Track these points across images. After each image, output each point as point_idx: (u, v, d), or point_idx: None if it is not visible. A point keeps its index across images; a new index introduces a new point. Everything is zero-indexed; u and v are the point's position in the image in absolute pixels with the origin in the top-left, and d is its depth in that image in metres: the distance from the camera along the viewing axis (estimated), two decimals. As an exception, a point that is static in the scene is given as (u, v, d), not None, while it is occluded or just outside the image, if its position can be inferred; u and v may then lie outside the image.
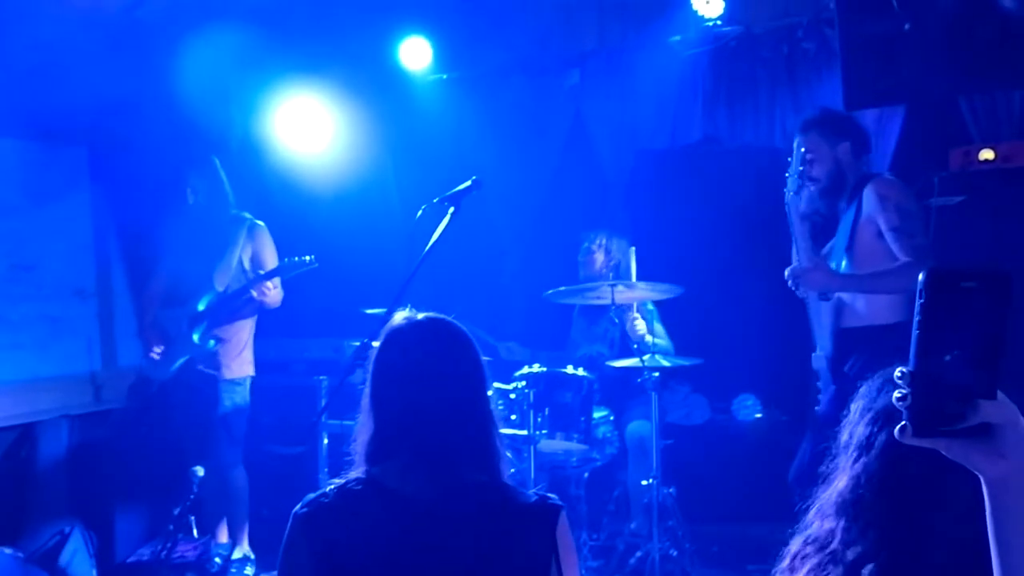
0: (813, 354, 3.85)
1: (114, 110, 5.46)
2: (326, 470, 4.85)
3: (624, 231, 5.06)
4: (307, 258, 4.58)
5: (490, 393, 1.88)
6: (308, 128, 5.71)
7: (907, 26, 3.87)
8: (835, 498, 1.57)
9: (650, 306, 4.77)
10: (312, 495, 1.81)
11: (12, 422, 5.06)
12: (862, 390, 1.65)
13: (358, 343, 3.68)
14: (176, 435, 4.73)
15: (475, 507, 1.78)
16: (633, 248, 4.59)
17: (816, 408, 3.79)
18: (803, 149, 3.78)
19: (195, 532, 4.66)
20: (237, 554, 4.76)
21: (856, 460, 1.55)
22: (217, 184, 4.82)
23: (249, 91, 5.57)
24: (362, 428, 1.86)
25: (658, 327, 4.72)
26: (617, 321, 4.58)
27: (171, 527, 3.89)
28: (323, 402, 5.08)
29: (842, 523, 1.54)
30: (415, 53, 5.59)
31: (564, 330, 5.24)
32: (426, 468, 1.79)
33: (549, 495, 1.85)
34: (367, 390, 1.87)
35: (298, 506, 1.80)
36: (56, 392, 5.47)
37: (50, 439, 5.07)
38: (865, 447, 1.54)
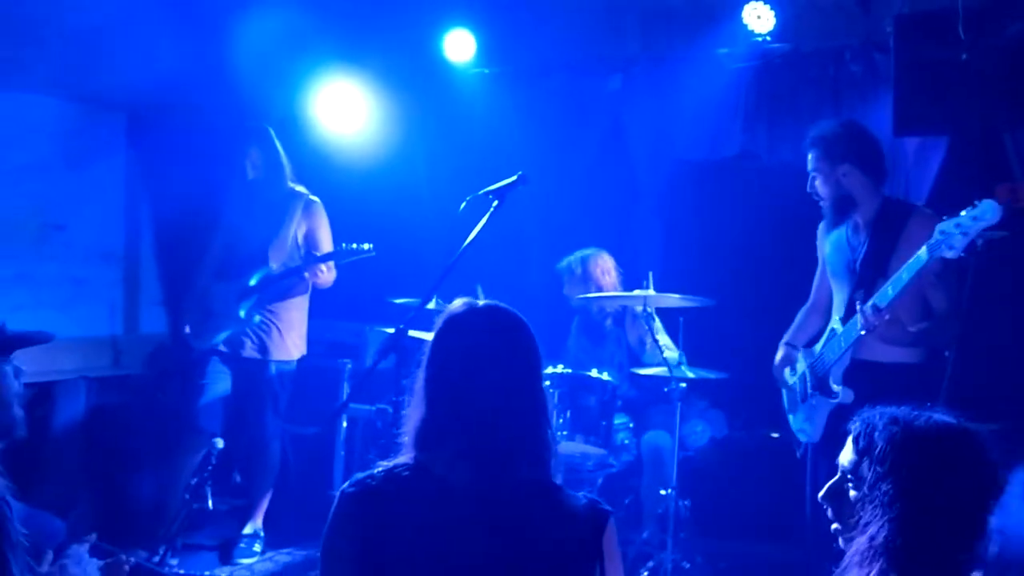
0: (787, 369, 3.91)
1: (158, 78, 5.48)
2: (343, 453, 4.85)
3: (656, 238, 5.06)
4: (365, 246, 4.59)
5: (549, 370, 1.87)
6: (346, 111, 5.71)
7: (964, 56, 3.84)
8: (868, 546, 1.61)
9: (651, 320, 4.76)
10: (360, 475, 1.81)
11: (31, 379, 5.07)
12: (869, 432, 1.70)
13: (391, 330, 3.69)
14: (197, 406, 4.73)
15: (523, 503, 1.77)
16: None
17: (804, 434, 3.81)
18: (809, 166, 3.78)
19: (210, 504, 4.66)
20: (248, 529, 4.78)
21: (882, 515, 1.59)
22: (275, 157, 4.83)
23: (294, 69, 5.57)
24: (413, 412, 1.85)
25: (664, 337, 4.71)
26: (648, 326, 4.55)
27: (187, 496, 3.89)
28: (345, 386, 5.09)
29: (880, 567, 1.58)
30: (459, 45, 5.58)
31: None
32: (475, 459, 1.78)
33: (599, 499, 1.83)
34: (421, 374, 1.86)
35: (346, 484, 1.79)
36: (76, 353, 5.48)
37: (68, 399, 5.09)
38: (888, 503, 1.56)
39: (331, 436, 5.08)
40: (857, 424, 1.75)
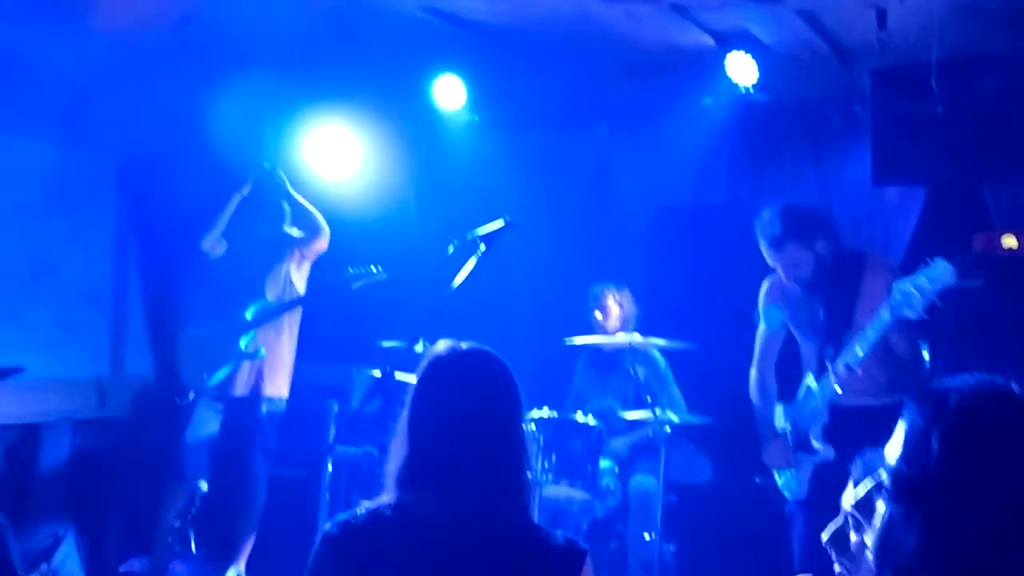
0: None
1: (149, 124, 5.55)
2: (328, 496, 4.83)
3: (641, 283, 5.11)
4: (374, 268, 4.63)
5: (531, 428, 1.90)
6: (336, 156, 5.78)
7: (940, 109, 3.94)
8: None
9: (662, 365, 4.82)
10: (343, 516, 1.83)
11: (17, 420, 5.07)
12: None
13: (378, 372, 3.71)
14: (183, 448, 4.72)
15: (503, 543, 1.79)
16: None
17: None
18: (780, 265, 3.75)
19: (193, 547, 4.63)
20: (231, 573, 4.74)
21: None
22: (281, 197, 4.89)
23: (284, 114, 5.65)
24: (396, 452, 1.88)
25: (675, 392, 4.76)
26: (633, 373, 4.60)
27: (170, 539, 3.87)
28: (332, 428, 5.09)
29: None
30: (449, 92, 5.67)
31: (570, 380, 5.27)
32: (457, 499, 1.80)
33: (575, 539, 1.86)
34: (405, 414, 1.89)
35: (328, 525, 1.81)
36: (61, 395, 5.47)
37: (53, 441, 5.08)
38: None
39: (316, 479, 5.06)
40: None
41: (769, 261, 3.83)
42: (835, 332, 3.63)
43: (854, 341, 3.46)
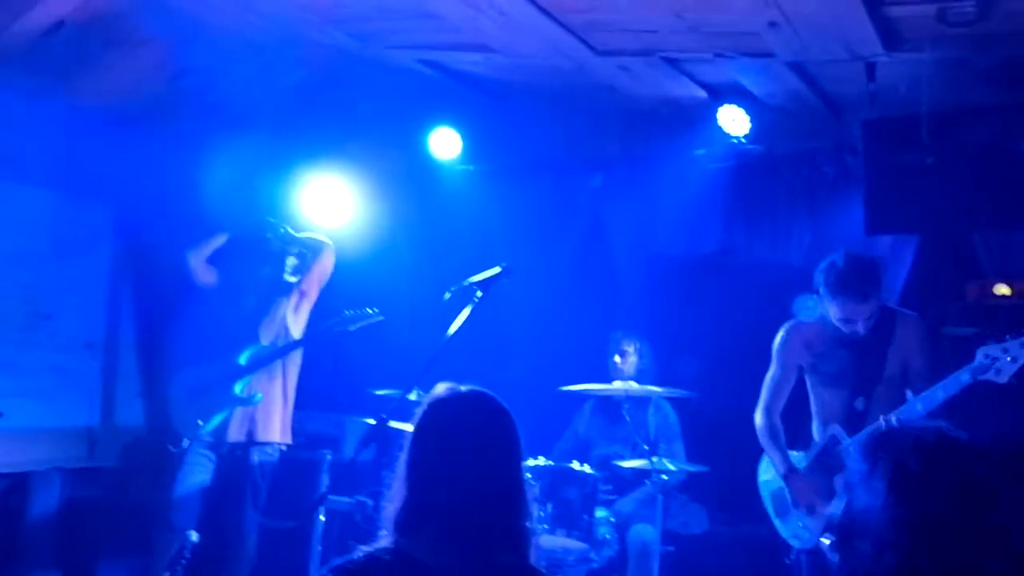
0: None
1: (146, 174, 5.59)
2: (320, 548, 4.76)
3: (635, 332, 5.12)
4: (369, 310, 4.62)
5: (527, 476, 1.89)
6: (332, 205, 5.80)
7: (930, 160, 4.00)
8: None
9: (672, 418, 4.84)
10: (339, 560, 1.80)
11: (6, 470, 5.01)
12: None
13: (372, 421, 3.69)
14: (173, 498, 4.66)
15: (503, 588, 1.77)
16: None
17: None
18: (866, 316, 3.66)
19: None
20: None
21: None
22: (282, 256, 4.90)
23: (281, 164, 5.69)
24: (394, 496, 1.87)
25: (679, 447, 4.77)
26: (629, 419, 4.59)
27: (160, 591, 3.81)
28: (325, 477, 5.03)
29: None
30: (445, 143, 5.73)
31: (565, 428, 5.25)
32: (456, 544, 1.78)
33: (575, 583, 1.84)
34: (403, 457, 1.88)
35: (324, 570, 1.79)
36: (51, 444, 5.42)
37: (41, 491, 5.01)
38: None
39: (308, 530, 5.00)
40: None
41: (824, 309, 3.79)
42: (866, 382, 3.65)
43: (916, 398, 3.46)
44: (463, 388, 1.94)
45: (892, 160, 4.15)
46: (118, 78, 5.14)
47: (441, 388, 1.95)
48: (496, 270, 3.52)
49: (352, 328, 4.72)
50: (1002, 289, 4.17)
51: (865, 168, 4.28)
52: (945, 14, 3.74)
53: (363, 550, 1.83)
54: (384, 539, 1.85)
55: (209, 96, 5.35)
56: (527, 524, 1.86)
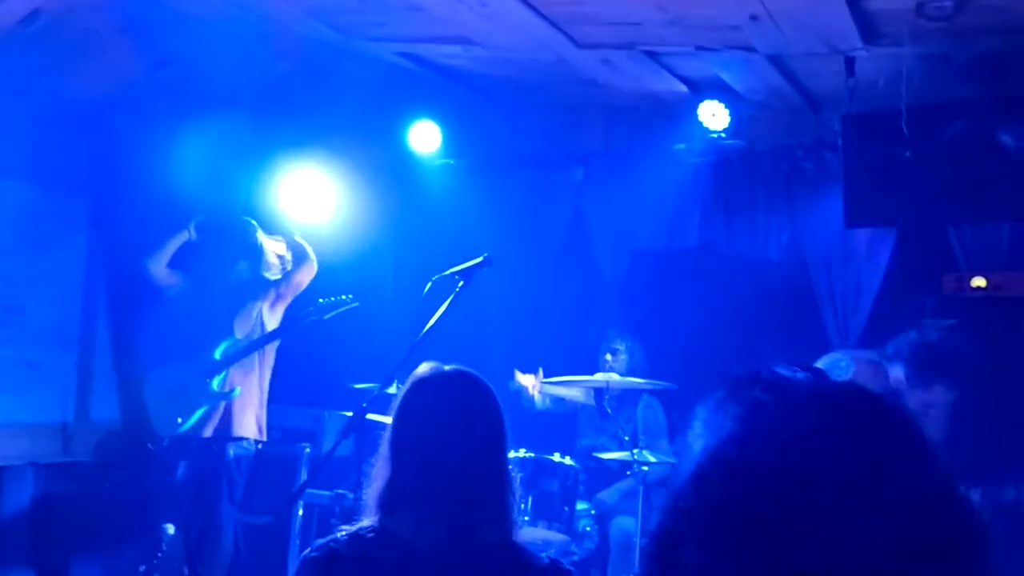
0: None
1: (123, 167, 5.53)
2: (298, 543, 4.73)
3: (615, 325, 5.14)
4: (344, 297, 4.59)
5: (511, 454, 1.88)
6: (311, 199, 5.76)
7: (908, 153, 4.03)
8: None
9: (661, 416, 4.87)
10: (323, 540, 1.79)
11: (-21, 465, 4.95)
12: None
13: (350, 413, 3.66)
14: (149, 493, 4.61)
15: (487, 565, 1.76)
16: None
17: None
18: None
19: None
20: (198, 621, 4.61)
21: None
22: (258, 253, 4.86)
23: (260, 158, 5.65)
24: (378, 474, 1.85)
25: (665, 444, 4.80)
26: (611, 412, 4.60)
27: (136, 584, 3.77)
28: (303, 471, 5.00)
29: None
30: (425, 137, 5.71)
31: (546, 419, 5.25)
32: (440, 521, 1.77)
33: (559, 560, 1.83)
34: (387, 435, 1.87)
35: (308, 550, 1.77)
36: (25, 439, 5.34)
37: (14, 486, 4.95)
38: None
39: (285, 525, 4.96)
40: None
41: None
42: None
43: None
44: (447, 367, 1.93)
45: (871, 154, 4.17)
46: (95, 69, 5.08)
47: (425, 367, 1.94)
48: (478, 260, 3.51)
49: (327, 316, 4.69)
50: (978, 282, 4.21)
51: (844, 162, 4.30)
52: (923, 8, 3.77)
53: (345, 529, 1.81)
54: (367, 518, 1.84)
55: (188, 87, 5.30)
56: (510, 499, 1.85)
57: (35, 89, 5.05)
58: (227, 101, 5.31)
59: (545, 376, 4.87)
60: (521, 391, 5.04)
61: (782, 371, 0.96)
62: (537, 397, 4.99)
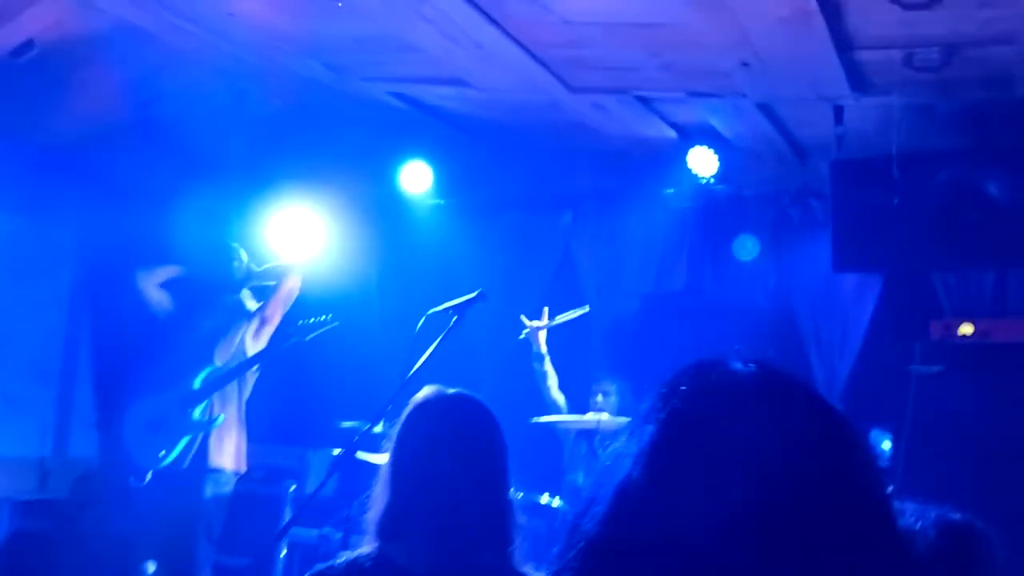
0: None
1: (113, 200, 5.52)
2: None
3: (603, 367, 5.14)
4: (323, 318, 4.54)
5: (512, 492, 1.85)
6: (301, 237, 5.75)
7: (896, 200, 4.09)
8: None
9: None
10: (321, 565, 1.75)
11: (-48, 500, 4.84)
12: None
13: (337, 451, 3.61)
14: (127, 530, 4.51)
15: (489, 593, 1.73)
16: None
17: None
18: None
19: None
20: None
21: None
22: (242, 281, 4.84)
23: (250, 194, 5.65)
24: (377, 499, 1.82)
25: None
26: (601, 451, 4.57)
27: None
28: (288, 511, 4.92)
29: None
30: (416, 177, 5.73)
31: (535, 458, 5.21)
32: (440, 547, 1.74)
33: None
34: (387, 459, 1.84)
35: (306, 574, 1.74)
36: (2, 474, 5.25)
37: (-11, 522, 4.84)
38: None
39: (266, 567, 4.86)
40: None
41: None
42: None
43: None
44: (450, 391, 1.91)
45: (859, 199, 4.23)
46: (87, 101, 5.09)
47: (428, 390, 1.92)
48: (472, 295, 3.50)
49: (308, 338, 4.64)
50: (965, 328, 4.24)
51: (833, 206, 4.36)
52: (912, 59, 3.86)
53: (344, 556, 1.77)
54: (366, 545, 1.80)
55: (180, 123, 5.30)
56: (512, 528, 1.83)
57: (24, 119, 5.04)
58: (218, 138, 5.32)
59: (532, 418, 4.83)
60: (530, 340, 5.05)
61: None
62: (543, 341, 5.04)
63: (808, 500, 0.85)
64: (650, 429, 0.90)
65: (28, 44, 4.55)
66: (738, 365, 0.96)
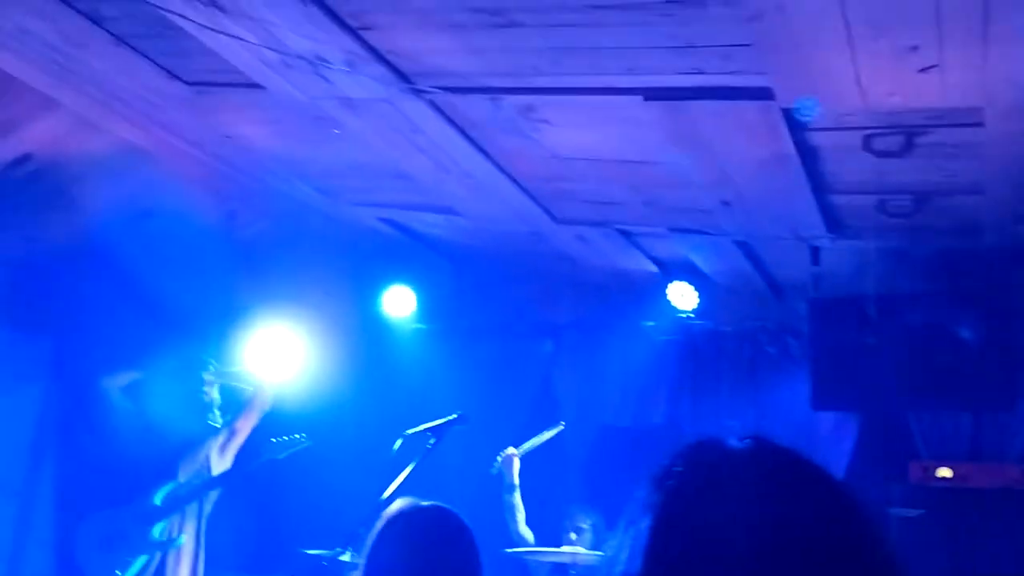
0: None
1: (90, 310, 5.49)
2: None
3: (580, 500, 5.06)
4: (297, 436, 4.45)
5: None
6: (280, 356, 5.72)
7: (871, 340, 4.15)
8: None
9: None
10: None
11: None
12: None
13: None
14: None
15: None
16: None
17: None
18: None
19: None
20: None
21: None
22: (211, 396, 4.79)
23: (232, 311, 5.66)
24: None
25: None
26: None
27: None
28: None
29: None
30: (399, 301, 5.78)
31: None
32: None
33: None
34: (359, 571, 1.80)
35: None
36: (-52, 594, 5.01)
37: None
38: None
39: None
40: None
41: None
42: None
43: None
44: (425, 503, 1.89)
45: (837, 338, 4.30)
46: (78, 214, 5.14)
47: (402, 502, 1.89)
48: (451, 417, 3.48)
49: (281, 456, 4.55)
50: (944, 472, 4.25)
51: (811, 345, 4.43)
52: (884, 205, 4.00)
53: None
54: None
55: (169, 238, 5.35)
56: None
57: (11, 229, 5.06)
58: (204, 255, 5.36)
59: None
60: (503, 470, 4.99)
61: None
62: (516, 472, 4.99)
63: (813, 571, 0.85)
64: (646, 520, 0.90)
65: (26, 158, 4.63)
66: (733, 441, 0.97)
